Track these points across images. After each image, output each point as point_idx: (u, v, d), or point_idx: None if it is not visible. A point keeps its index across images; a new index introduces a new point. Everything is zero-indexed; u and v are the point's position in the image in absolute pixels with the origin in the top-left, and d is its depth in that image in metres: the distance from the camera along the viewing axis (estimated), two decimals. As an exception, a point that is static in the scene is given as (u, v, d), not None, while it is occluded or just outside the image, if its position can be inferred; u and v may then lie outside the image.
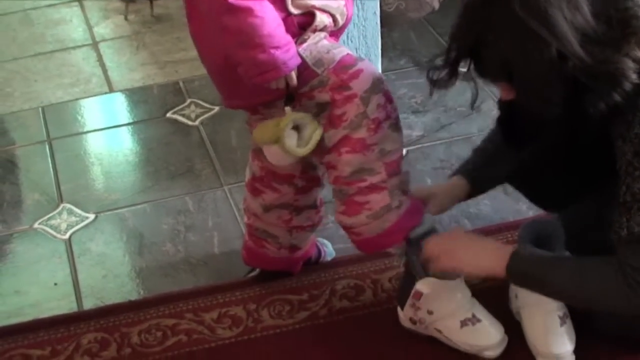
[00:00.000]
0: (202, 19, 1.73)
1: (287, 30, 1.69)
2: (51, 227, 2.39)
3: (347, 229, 1.86)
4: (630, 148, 1.54)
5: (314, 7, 1.74)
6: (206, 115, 2.79)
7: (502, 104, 1.70)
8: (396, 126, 1.80)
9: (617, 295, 1.63)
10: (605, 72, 1.48)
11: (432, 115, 2.70)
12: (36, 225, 2.40)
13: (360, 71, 1.75)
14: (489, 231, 2.20)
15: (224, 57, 1.70)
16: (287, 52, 1.67)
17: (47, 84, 3.03)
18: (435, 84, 1.65)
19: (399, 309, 1.95)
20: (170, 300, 2.09)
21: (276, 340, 1.98)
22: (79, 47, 3.25)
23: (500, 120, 1.78)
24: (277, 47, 1.65)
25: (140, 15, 3.41)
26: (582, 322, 1.86)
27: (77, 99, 2.95)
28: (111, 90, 2.98)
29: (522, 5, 1.47)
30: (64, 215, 2.43)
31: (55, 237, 2.36)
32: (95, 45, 3.24)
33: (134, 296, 2.16)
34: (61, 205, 2.47)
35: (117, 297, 2.15)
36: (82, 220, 2.41)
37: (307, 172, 1.94)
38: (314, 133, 1.74)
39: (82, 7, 3.51)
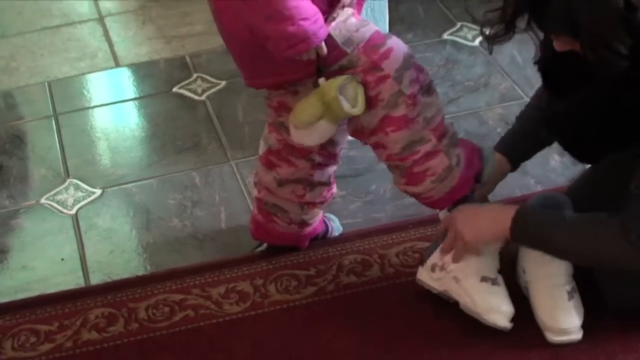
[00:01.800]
0: None
1: (317, 7, 1.68)
2: (58, 202, 2.39)
3: (414, 195, 1.89)
4: None
5: None
6: (213, 90, 2.78)
7: (546, 51, 1.67)
8: (430, 90, 1.82)
9: (618, 242, 1.65)
10: None
11: (440, 89, 2.65)
12: (43, 200, 2.40)
13: (390, 50, 1.75)
14: (497, 206, 2.20)
15: (249, 32, 1.69)
16: (316, 22, 1.66)
17: (53, 58, 3.02)
18: (490, 40, 1.63)
19: (420, 267, 1.95)
20: (177, 276, 2.09)
21: (283, 315, 1.98)
22: (85, 21, 3.23)
23: (543, 67, 1.76)
24: (305, 19, 1.65)
25: (146, -11, 3.40)
26: (590, 296, 1.85)
27: (83, 74, 2.94)
28: (117, 65, 2.97)
29: None
30: (71, 191, 2.42)
31: (62, 212, 2.36)
32: (101, 19, 3.22)
33: (141, 271, 2.16)
34: (68, 181, 2.46)
35: (124, 272, 2.16)
36: (89, 196, 2.40)
37: (326, 148, 1.93)
38: (357, 91, 1.74)
39: (87, -19, 3.50)
